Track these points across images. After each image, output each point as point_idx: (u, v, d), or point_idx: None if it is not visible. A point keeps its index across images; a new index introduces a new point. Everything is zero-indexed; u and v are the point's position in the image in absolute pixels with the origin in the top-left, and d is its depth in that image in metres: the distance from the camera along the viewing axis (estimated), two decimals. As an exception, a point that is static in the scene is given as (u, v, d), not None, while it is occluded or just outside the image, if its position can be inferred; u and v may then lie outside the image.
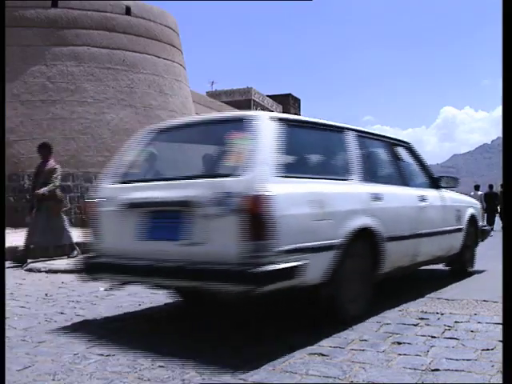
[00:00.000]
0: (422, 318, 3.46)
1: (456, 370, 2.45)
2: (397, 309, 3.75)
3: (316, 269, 3.10)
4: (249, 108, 38.87)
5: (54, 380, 2.41)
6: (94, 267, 3.51)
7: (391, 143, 4.52)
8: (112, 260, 3.40)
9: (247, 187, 2.88)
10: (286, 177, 3.09)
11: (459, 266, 5.33)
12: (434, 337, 3.02)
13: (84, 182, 14.10)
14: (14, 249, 6.90)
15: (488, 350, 2.75)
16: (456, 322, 3.36)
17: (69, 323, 3.52)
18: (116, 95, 15.03)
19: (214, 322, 3.60)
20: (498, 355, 2.61)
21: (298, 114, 48.58)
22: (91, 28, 14.90)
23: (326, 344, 2.88)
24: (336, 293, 3.31)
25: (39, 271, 6.19)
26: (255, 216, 2.83)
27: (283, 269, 2.86)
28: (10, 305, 4.05)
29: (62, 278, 5.65)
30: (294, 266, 2.92)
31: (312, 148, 3.90)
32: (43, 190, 6.77)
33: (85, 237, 3.66)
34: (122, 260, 3.36)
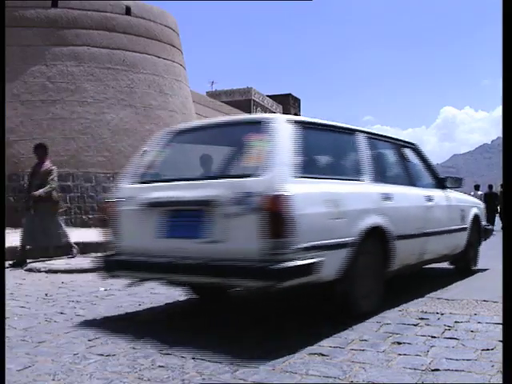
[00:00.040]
0: (422, 318, 3.46)
1: (456, 370, 2.45)
2: (397, 309, 3.75)
3: (331, 265, 3.22)
4: (248, 108, 38.87)
5: (53, 380, 2.41)
6: (113, 265, 3.63)
7: (399, 144, 4.68)
8: (132, 258, 3.52)
9: (267, 187, 3.00)
10: (302, 177, 3.21)
11: (464, 265, 5.48)
12: (434, 337, 3.02)
13: (84, 182, 14.11)
14: (14, 249, 6.90)
15: (488, 350, 2.75)
16: (456, 322, 3.36)
17: (69, 323, 3.52)
18: (116, 95, 15.03)
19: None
20: (498, 355, 2.60)
21: (298, 114, 48.61)
22: (91, 28, 14.91)
23: (326, 344, 2.88)
24: (350, 289, 3.43)
25: (39, 271, 6.20)
26: (275, 215, 2.95)
27: (302, 265, 2.98)
28: (10, 305, 4.05)
29: (62, 278, 5.65)
30: (312, 263, 3.04)
31: (325, 149, 4.06)
32: (40, 191, 6.77)
33: (104, 235, 3.78)
34: (142, 257, 3.46)
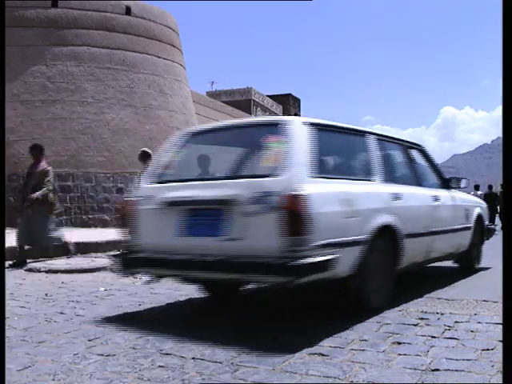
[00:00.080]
0: (422, 318, 3.46)
1: (456, 370, 2.45)
2: (397, 309, 3.75)
3: (346, 262, 3.35)
4: (248, 108, 38.86)
5: (53, 380, 2.41)
6: (131, 262, 3.74)
7: (406, 146, 4.83)
8: (151, 255, 3.62)
9: (286, 187, 3.13)
10: (318, 177, 3.35)
11: (467, 263, 5.62)
12: (434, 337, 3.02)
13: (84, 182, 14.10)
14: (14, 249, 6.90)
15: (488, 350, 2.75)
16: (456, 322, 3.36)
17: (69, 323, 3.52)
18: (116, 95, 15.03)
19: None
20: (498, 355, 2.60)
21: (298, 114, 48.59)
22: (91, 28, 14.91)
23: (326, 344, 2.88)
24: (362, 285, 3.56)
25: (39, 271, 6.19)
26: (294, 213, 3.08)
27: (319, 262, 3.10)
28: (10, 305, 4.05)
29: (62, 278, 5.65)
30: (328, 260, 3.16)
31: (338, 150, 4.19)
32: (37, 194, 6.76)
33: (122, 234, 3.88)
34: (161, 255, 3.56)
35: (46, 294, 4.64)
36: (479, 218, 5.69)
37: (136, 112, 15.35)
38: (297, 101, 50.30)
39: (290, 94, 48.91)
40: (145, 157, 8.28)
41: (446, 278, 5.19)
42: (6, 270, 6.19)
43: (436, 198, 4.71)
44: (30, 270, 6.28)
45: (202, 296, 4.51)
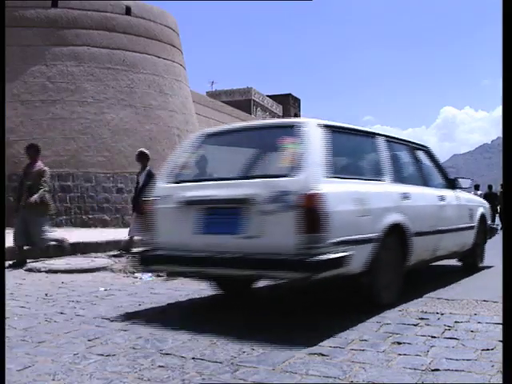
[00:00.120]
0: (422, 318, 3.46)
1: (456, 370, 2.45)
2: (397, 309, 3.75)
3: (359, 259, 3.48)
4: (248, 108, 38.84)
5: (53, 380, 2.41)
6: (150, 259, 3.86)
7: (413, 147, 5.00)
8: (168, 252, 3.74)
9: (303, 186, 3.26)
10: (332, 177, 3.47)
11: (471, 261, 5.77)
12: (434, 337, 3.02)
13: (84, 182, 14.11)
14: (14, 249, 6.90)
15: (488, 350, 2.75)
16: (456, 322, 3.36)
17: (69, 323, 3.52)
18: (116, 95, 15.03)
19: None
20: (498, 355, 2.60)
21: (297, 113, 48.57)
22: (91, 28, 14.91)
23: (326, 344, 2.88)
24: (374, 281, 3.69)
25: (39, 271, 6.19)
26: (311, 211, 3.20)
27: (335, 258, 3.23)
28: (10, 305, 4.05)
29: (62, 278, 5.65)
30: (343, 256, 3.29)
31: (351, 151, 4.33)
32: (35, 198, 6.72)
33: (141, 232, 4.04)
34: (179, 252, 3.68)
35: (46, 294, 4.63)
36: (482, 217, 5.84)
37: (136, 112, 15.35)
38: (297, 101, 50.29)
39: (290, 94, 48.91)
40: (142, 157, 8.29)
41: (446, 278, 5.19)
42: (6, 269, 6.19)
43: (442, 198, 4.85)
44: (30, 270, 6.28)
45: (202, 296, 4.52)
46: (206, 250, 3.54)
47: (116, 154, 14.60)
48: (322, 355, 2.69)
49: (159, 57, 16.44)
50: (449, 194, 5.11)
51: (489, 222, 6.25)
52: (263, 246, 3.34)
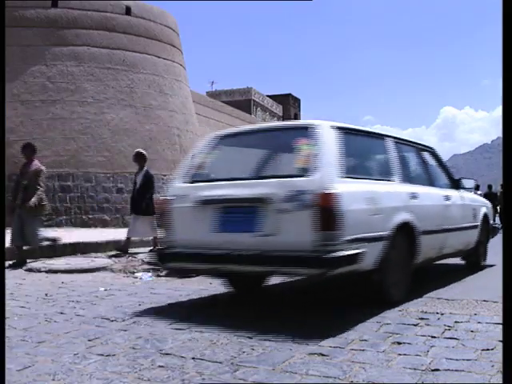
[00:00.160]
0: (422, 318, 3.46)
1: (456, 370, 2.45)
2: (397, 309, 3.75)
3: (371, 256, 3.59)
4: (248, 108, 38.82)
5: (53, 380, 2.41)
6: (167, 257, 3.99)
7: (419, 148, 5.14)
8: (185, 250, 3.86)
9: (319, 186, 3.38)
10: (346, 177, 3.60)
11: (474, 260, 5.90)
12: (434, 337, 3.02)
13: (84, 182, 14.11)
14: (14, 249, 6.90)
15: (488, 350, 2.74)
16: (456, 322, 3.36)
17: (69, 323, 3.52)
18: (116, 95, 15.03)
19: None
20: (498, 355, 2.60)
21: (297, 113, 48.56)
22: (91, 28, 14.91)
23: (326, 344, 2.88)
24: (384, 278, 3.79)
25: (39, 271, 6.19)
26: (327, 210, 3.33)
27: (349, 255, 3.36)
28: (10, 305, 4.05)
29: (62, 278, 5.65)
30: (357, 253, 3.42)
31: (362, 152, 4.43)
32: (33, 201, 6.69)
33: (158, 231, 4.14)
34: (197, 250, 3.80)
35: (46, 294, 4.63)
36: (485, 217, 5.98)
37: (136, 112, 15.35)
38: (297, 101, 50.28)
39: (290, 94, 48.91)
40: (139, 158, 8.28)
41: (446, 277, 5.19)
42: (6, 270, 6.19)
43: (447, 198, 4.98)
44: (30, 270, 6.28)
45: (202, 296, 4.52)
46: (223, 248, 3.65)
47: (116, 154, 14.60)
48: (322, 355, 2.69)
49: (159, 57, 16.44)
50: (454, 193, 5.24)
51: (491, 221, 6.39)
52: (280, 243, 3.45)
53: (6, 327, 3.22)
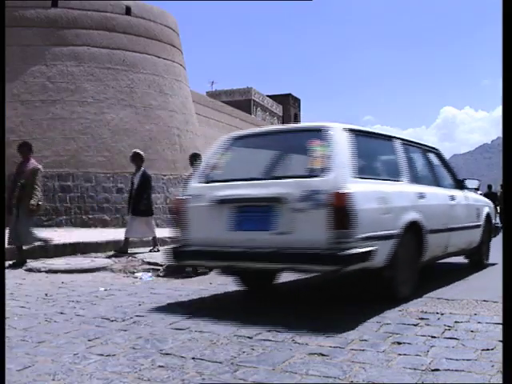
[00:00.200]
0: (422, 318, 3.46)
1: (456, 370, 2.45)
2: (397, 309, 3.75)
3: (382, 254, 3.71)
4: (248, 108, 38.82)
5: (53, 380, 2.41)
6: (183, 254, 4.08)
7: (425, 149, 5.28)
8: (201, 248, 3.97)
9: (333, 186, 3.50)
10: (358, 177, 3.72)
11: (477, 258, 6.02)
12: (434, 337, 3.02)
13: (84, 182, 14.10)
14: (14, 249, 6.89)
15: (488, 350, 2.74)
16: (456, 322, 3.36)
17: (69, 323, 3.52)
18: (116, 95, 15.03)
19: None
20: (498, 355, 2.60)
21: (297, 113, 48.55)
22: (91, 28, 14.91)
23: (326, 344, 2.88)
24: (394, 275, 3.92)
25: (39, 271, 6.19)
26: (341, 209, 3.45)
27: (362, 252, 3.48)
28: (10, 305, 4.05)
29: (62, 278, 5.65)
30: (369, 251, 3.54)
31: (372, 153, 4.55)
32: (32, 203, 6.68)
33: (172, 229, 4.23)
34: (212, 248, 3.92)
35: (46, 294, 4.63)
36: (488, 216, 6.11)
37: (136, 112, 15.35)
38: (297, 101, 50.28)
39: (290, 94, 48.91)
40: (136, 158, 8.28)
41: (446, 277, 5.19)
42: (6, 269, 6.19)
43: (452, 198, 5.12)
44: (30, 270, 6.28)
45: (202, 296, 4.52)
46: (238, 246, 3.76)
47: (116, 154, 14.59)
48: (322, 355, 2.69)
49: (159, 57, 16.44)
50: (458, 193, 5.37)
51: (493, 221, 6.50)
52: (295, 241, 3.57)
53: (6, 327, 3.22)
